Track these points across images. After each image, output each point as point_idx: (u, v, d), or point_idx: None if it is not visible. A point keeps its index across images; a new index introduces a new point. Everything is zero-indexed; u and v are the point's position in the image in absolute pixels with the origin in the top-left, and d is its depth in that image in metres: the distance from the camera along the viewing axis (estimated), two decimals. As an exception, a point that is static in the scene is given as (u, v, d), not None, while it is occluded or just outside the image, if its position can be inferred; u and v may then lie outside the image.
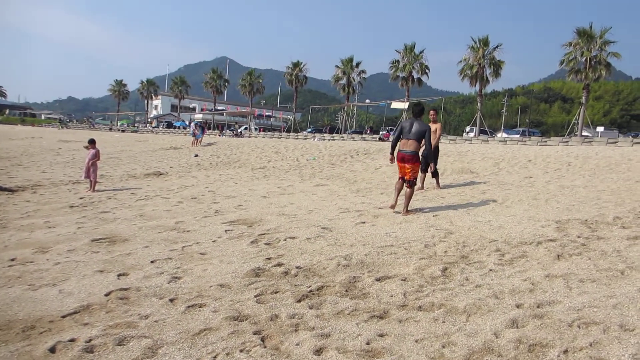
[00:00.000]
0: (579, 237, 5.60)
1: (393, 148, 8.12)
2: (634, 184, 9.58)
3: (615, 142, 27.61)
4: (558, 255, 4.88)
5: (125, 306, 3.74)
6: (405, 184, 7.82)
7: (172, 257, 5.12)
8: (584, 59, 36.71)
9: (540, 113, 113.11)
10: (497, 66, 41.46)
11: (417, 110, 8.04)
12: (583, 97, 39.18)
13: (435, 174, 10.36)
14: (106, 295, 3.97)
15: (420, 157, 8.45)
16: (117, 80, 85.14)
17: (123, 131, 62.47)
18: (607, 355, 2.81)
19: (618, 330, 3.11)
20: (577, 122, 38.87)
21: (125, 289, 4.09)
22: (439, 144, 10.96)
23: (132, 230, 6.56)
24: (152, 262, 4.95)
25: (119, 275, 4.50)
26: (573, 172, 11.61)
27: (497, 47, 41.45)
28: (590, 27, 36.55)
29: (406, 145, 7.77)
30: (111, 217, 7.72)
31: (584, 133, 39.93)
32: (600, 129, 52.27)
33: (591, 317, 3.33)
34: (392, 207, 7.83)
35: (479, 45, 41.21)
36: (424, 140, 7.75)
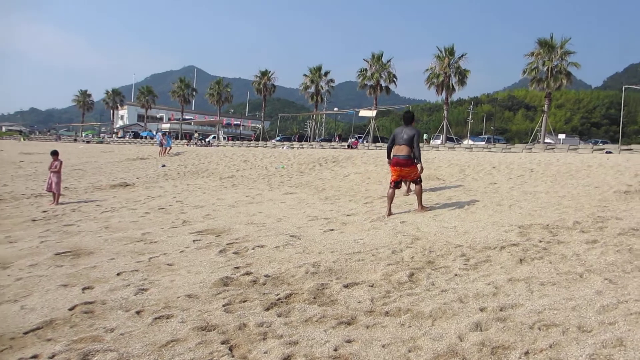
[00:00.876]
0: (540, 241, 5.75)
1: (389, 154, 8.67)
2: (592, 189, 9.87)
3: (577, 149, 28.43)
4: (520, 260, 5.00)
5: (90, 320, 3.68)
6: (413, 184, 8.68)
7: (138, 269, 5.06)
8: (545, 69, 37.82)
9: (504, 120, 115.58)
10: (462, 75, 42.34)
11: (408, 118, 8.64)
12: (545, 105, 40.30)
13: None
14: (70, 309, 3.90)
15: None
16: (81, 90, 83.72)
17: (88, 142, 61.42)
18: (566, 356, 2.89)
19: (576, 332, 3.21)
20: (540, 130, 39.88)
21: (90, 303, 4.02)
22: None
23: (97, 243, 6.46)
24: (118, 274, 4.88)
25: (84, 288, 4.43)
26: (535, 178, 11.89)
27: (462, 56, 42.35)
28: (551, 37, 37.70)
29: (399, 151, 8.36)
30: (75, 229, 7.58)
31: (547, 140, 41.02)
32: (562, 136, 53.66)
33: (551, 319, 3.42)
34: (389, 216, 8.08)
35: (444, 55, 42.02)
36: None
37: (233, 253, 5.67)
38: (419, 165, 8.49)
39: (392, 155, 8.54)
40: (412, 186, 9.81)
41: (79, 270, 5.07)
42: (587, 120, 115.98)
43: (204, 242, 6.33)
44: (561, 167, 12.97)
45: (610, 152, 23.82)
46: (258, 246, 5.95)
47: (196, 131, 66.59)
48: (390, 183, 8.59)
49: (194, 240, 6.45)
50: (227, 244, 6.15)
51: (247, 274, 4.76)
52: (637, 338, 3.04)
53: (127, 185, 14.73)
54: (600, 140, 62.91)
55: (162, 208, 9.71)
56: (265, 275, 4.68)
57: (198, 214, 8.81)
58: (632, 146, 30.10)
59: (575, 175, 11.72)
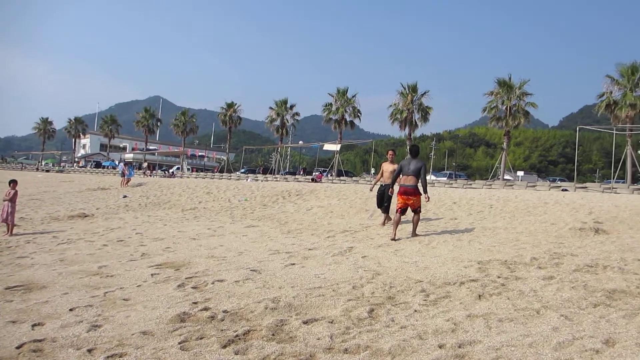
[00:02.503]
0: (499, 277, 5.84)
1: (394, 183, 9.98)
2: (549, 226, 10.12)
3: (534, 186, 29.23)
4: (479, 295, 5.06)
5: (38, 359, 3.54)
6: (413, 213, 9.41)
7: (93, 304, 4.90)
8: (504, 107, 39.11)
9: (466, 157, 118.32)
10: (425, 111, 43.36)
11: (414, 151, 9.65)
12: (504, 143, 41.49)
13: (388, 210, 11.33)
14: (18, 347, 3.73)
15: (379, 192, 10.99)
16: (42, 118, 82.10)
17: (47, 171, 59.95)
18: (522, 392, 2.92)
19: (532, 368, 3.25)
20: (500, 167, 40.92)
21: (40, 340, 3.86)
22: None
23: (51, 276, 6.24)
24: (70, 309, 4.71)
25: (34, 325, 4.25)
26: (494, 214, 12.13)
27: (424, 93, 43.47)
28: (510, 78, 39.17)
29: (407, 181, 9.30)
30: (29, 262, 7.32)
31: (506, 177, 42.09)
32: (520, 173, 55.24)
33: (509, 356, 3.46)
34: (393, 239, 8.99)
35: (408, 92, 43.02)
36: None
37: (192, 287, 5.56)
38: (425, 196, 9.31)
39: (399, 185, 9.47)
40: (391, 216, 10.77)
41: (30, 306, 4.88)
42: (545, 158, 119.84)
43: (162, 276, 6.19)
44: (519, 204, 13.28)
45: (566, 190, 24.57)
46: (218, 280, 5.85)
47: (146, 160, 65.77)
48: (397, 210, 9.39)
49: (152, 274, 6.30)
50: (186, 278, 6.03)
51: (205, 309, 4.67)
52: (590, 375, 3.09)
53: (86, 216, 14.38)
54: (559, 178, 64.91)
55: (121, 240, 9.49)
56: (224, 311, 4.59)
57: (158, 247, 8.64)
58: (587, 184, 31.17)
59: (533, 212, 12.01)
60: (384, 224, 11.20)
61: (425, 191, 9.29)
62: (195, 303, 4.89)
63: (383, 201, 11.42)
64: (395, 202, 9.91)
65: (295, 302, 4.88)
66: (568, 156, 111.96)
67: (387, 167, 11.30)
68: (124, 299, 5.11)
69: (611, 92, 34.36)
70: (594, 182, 57.39)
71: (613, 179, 32.97)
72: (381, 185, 11.53)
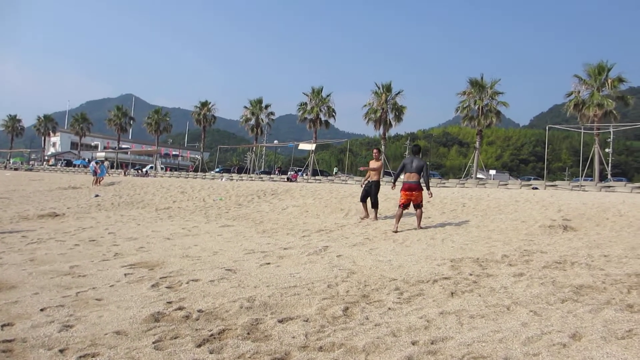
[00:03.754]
0: (470, 274, 5.95)
1: (395, 179, 10.80)
2: (520, 223, 10.33)
3: (506, 184, 29.71)
4: (452, 293, 5.15)
5: (8, 359, 3.49)
6: (415, 208, 10.19)
7: (64, 304, 4.83)
8: (476, 107, 39.65)
9: (439, 156, 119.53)
10: (399, 111, 43.71)
11: (416, 150, 10.55)
12: (477, 142, 42.05)
13: (375, 205, 11.75)
14: (-13, 348, 3.68)
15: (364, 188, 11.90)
16: (10, 115, 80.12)
17: (16, 169, 58.70)
18: (492, 386, 2.99)
19: (503, 363, 3.33)
20: (473, 165, 41.47)
21: (9, 341, 3.80)
22: (380, 180, 12.25)
23: (20, 276, 6.13)
24: (41, 310, 4.64)
25: (3, 325, 4.18)
26: (467, 213, 12.32)
27: (398, 93, 43.81)
28: (482, 78, 39.75)
29: (410, 177, 10.08)
30: (-3, 262, 7.18)
31: (479, 175, 42.68)
32: (492, 172, 56.11)
33: (479, 352, 3.53)
34: (395, 232, 9.68)
35: (382, 91, 43.27)
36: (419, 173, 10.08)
37: (166, 287, 5.53)
38: (428, 192, 10.16)
39: (402, 181, 10.29)
40: (372, 213, 11.82)
41: (-1, 306, 4.80)
42: (516, 157, 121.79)
43: (136, 276, 6.14)
44: (491, 202, 13.51)
45: (536, 188, 25.03)
46: (192, 280, 5.83)
47: (106, 158, 64.83)
48: (400, 205, 10.16)
49: (125, 274, 6.24)
50: (160, 278, 5.99)
51: (180, 309, 4.65)
52: (557, 368, 3.18)
53: (56, 216, 14.12)
54: (532, 177, 66.11)
55: (93, 240, 9.37)
56: (199, 310, 4.58)
57: (131, 247, 8.55)
58: (557, 182, 31.81)
59: (504, 210, 12.23)
60: (363, 218, 11.59)
61: (427, 188, 10.15)
62: (169, 303, 4.86)
63: (367, 196, 11.87)
64: (398, 198, 10.61)
65: (271, 301, 4.89)
66: (538, 155, 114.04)
67: (373, 165, 11.74)
68: (96, 299, 5.05)
69: (579, 92, 35.15)
70: (564, 180, 58.59)
71: (581, 177, 33.68)
72: (368, 181, 11.85)
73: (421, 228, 10.06)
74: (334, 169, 46.36)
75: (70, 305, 4.82)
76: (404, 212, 10.19)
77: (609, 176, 39.01)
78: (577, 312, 4.44)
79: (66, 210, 15.47)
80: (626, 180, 39.86)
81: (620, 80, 34.12)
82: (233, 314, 4.50)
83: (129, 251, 8.07)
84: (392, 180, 11.06)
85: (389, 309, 4.66)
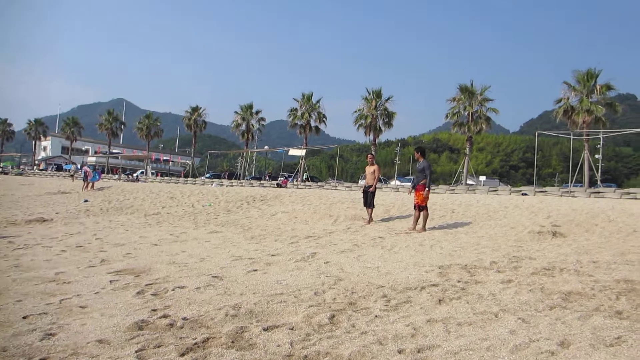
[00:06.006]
0: (459, 281, 5.92)
1: (414, 185, 11.16)
2: (509, 230, 10.33)
3: (496, 190, 29.81)
4: (439, 300, 5.12)
5: (-13, 369, 3.42)
6: (420, 210, 10.73)
7: (47, 312, 4.75)
8: (466, 113, 39.82)
9: (430, 162, 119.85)
10: (389, 117, 43.83)
11: (422, 152, 11.23)
12: (467, 148, 42.20)
13: (370, 205, 12.17)
14: (-35, 357, 3.61)
15: (363, 192, 12.21)
16: (0, 118, 79.55)
17: (6, 173, 58.21)
18: (478, 395, 2.96)
19: (489, 371, 3.29)
20: (463, 172, 41.61)
21: (-11, 350, 3.73)
22: (375, 184, 12.45)
23: (4, 283, 6.04)
24: (24, 317, 4.56)
25: (-17, 333, 4.11)
26: (456, 219, 12.32)
27: (389, 99, 43.94)
28: (472, 84, 39.95)
29: (418, 179, 10.88)
30: (-19, 268, 7.07)
31: (469, 182, 42.83)
32: (482, 178, 56.30)
33: (466, 360, 3.51)
34: (410, 229, 10.69)
35: (372, 97, 43.36)
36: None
37: (151, 294, 5.46)
38: (425, 190, 10.65)
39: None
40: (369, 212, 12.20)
41: (-20, 314, 4.71)
42: (507, 163, 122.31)
43: (121, 283, 6.07)
44: (480, 208, 13.52)
45: (525, 194, 25.13)
46: (178, 287, 5.76)
47: (88, 163, 64.36)
48: (415, 205, 10.87)
49: (110, 281, 6.16)
50: (146, 285, 5.92)
51: (165, 316, 4.59)
52: (543, 377, 3.15)
53: (44, 221, 14.00)
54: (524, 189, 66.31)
55: (80, 246, 9.27)
56: (183, 318, 4.52)
57: (118, 253, 8.46)
58: (547, 188, 31.96)
59: (494, 216, 12.24)
60: (369, 222, 11.91)
61: (427, 185, 10.72)
62: (154, 310, 4.80)
63: (366, 200, 12.19)
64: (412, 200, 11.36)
65: (257, 308, 4.84)
66: (528, 161, 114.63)
67: (368, 169, 12.07)
68: (80, 307, 4.97)
69: (568, 98, 35.42)
70: (554, 186, 58.88)
71: (571, 183, 33.88)
72: (365, 185, 12.08)
73: (424, 230, 10.55)
74: (304, 174, 46.27)
75: (54, 312, 4.75)
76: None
77: (599, 182, 39.23)
78: (565, 319, 4.42)
79: (54, 216, 15.34)
80: (615, 186, 40.18)
81: (609, 87, 34.43)
82: (218, 322, 4.44)
83: (116, 257, 7.99)
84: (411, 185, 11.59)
85: (376, 316, 4.61)
